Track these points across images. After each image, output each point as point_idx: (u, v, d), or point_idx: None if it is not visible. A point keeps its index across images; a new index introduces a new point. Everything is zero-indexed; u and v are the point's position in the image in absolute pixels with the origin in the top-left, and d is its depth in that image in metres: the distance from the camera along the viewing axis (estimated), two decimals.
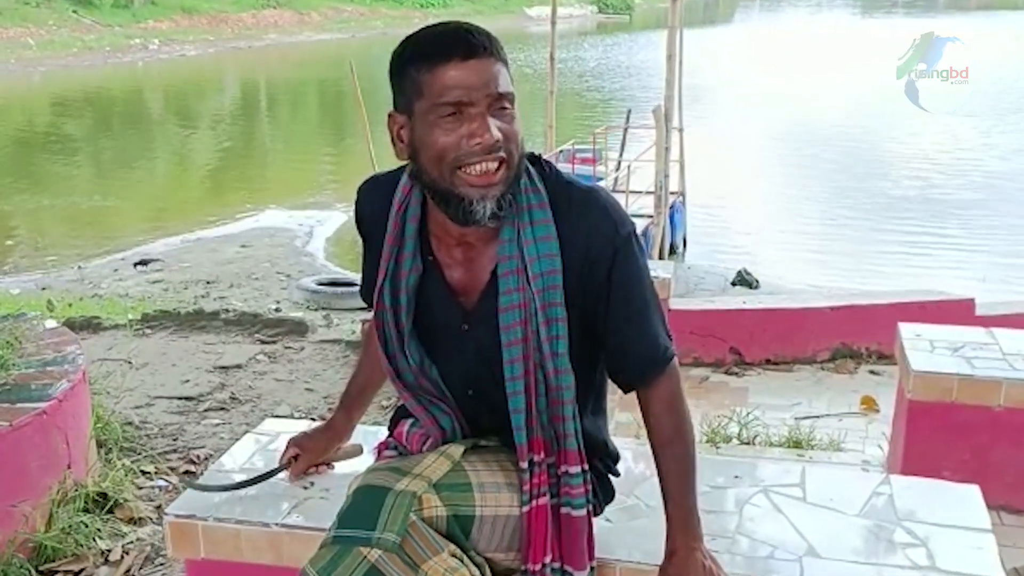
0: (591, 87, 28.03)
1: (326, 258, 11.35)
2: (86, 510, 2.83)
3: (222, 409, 4.13)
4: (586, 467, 1.63)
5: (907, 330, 3.24)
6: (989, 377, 2.91)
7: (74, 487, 2.85)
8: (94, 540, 2.77)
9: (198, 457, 3.50)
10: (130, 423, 3.74)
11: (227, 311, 5.89)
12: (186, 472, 3.36)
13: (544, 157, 1.66)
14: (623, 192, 10.73)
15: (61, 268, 10.89)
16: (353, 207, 1.73)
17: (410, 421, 1.76)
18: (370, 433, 2.11)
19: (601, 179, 10.90)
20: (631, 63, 33.04)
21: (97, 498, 2.92)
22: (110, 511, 2.91)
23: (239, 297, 9.04)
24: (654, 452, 1.65)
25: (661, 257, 8.79)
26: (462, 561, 1.50)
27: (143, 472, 3.27)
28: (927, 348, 3.09)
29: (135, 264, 10.81)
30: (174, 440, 3.69)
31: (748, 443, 3.64)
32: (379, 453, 1.84)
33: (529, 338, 1.57)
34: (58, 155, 18.29)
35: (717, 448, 3.54)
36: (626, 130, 13.92)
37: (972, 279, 9.47)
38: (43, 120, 23.39)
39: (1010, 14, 45.71)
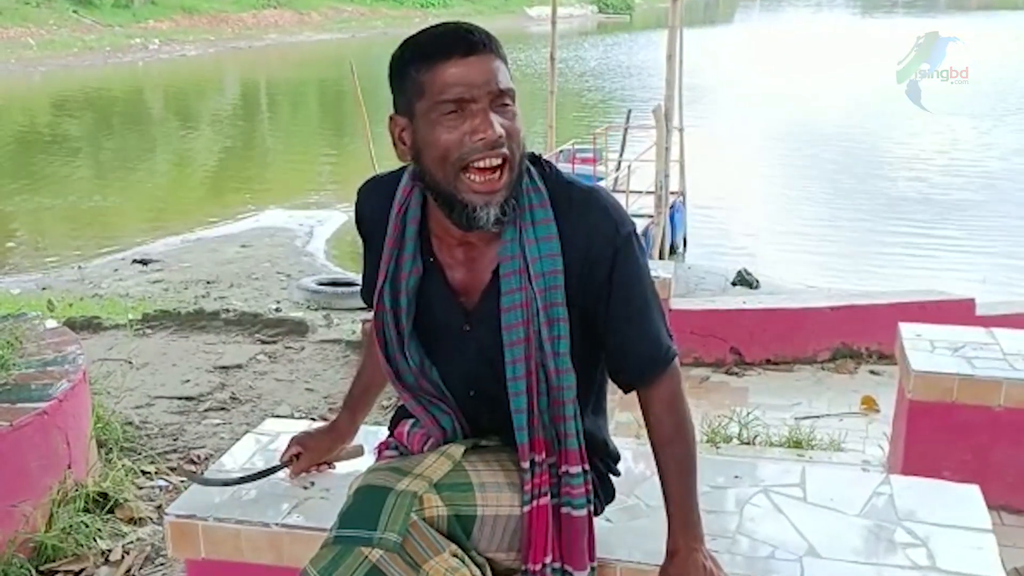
0: (591, 87, 28.03)
1: (326, 258, 11.34)
2: (86, 510, 2.84)
3: (222, 409, 4.13)
4: (587, 467, 1.63)
5: (907, 330, 3.24)
6: (989, 377, 2.91)
7: (74, 487, 2.85)
8: (94, 540, 2.77)
9: (198, 457, 3.50)
10: (130, 423, 3.74)
11: (227, 311, 5.88)
12: (186, 472, 3.36)
13: (544, 157, 1.66)
14: (623, 192, 10.72)
15: (61, 268, 10.88)
16: (353, 207, 1.73)
17: (411, 421, 1.76)
18: (371, 433, 2.10)
19: (601, 179, 10.90)
20: (631, 63, 33.04)
21: (97, 498, 2.92)
22: (110, 511, 2.91)
23: (239, 297, 9.03)
24: (654, 452, 1.65)
25: (661, 257, 8.78)
26: (463, 561, 1.50)
27: (143, 472, 3.27)
28: (927, 348, 3.09)
29: (134, 261, 10.80)
30: (174, 440, 3.69)
31: (748, 443, 3.64)
32: (380, 453, 1.84)
33: (531, 338, 1.57)
34: (58, 155, 18.26)
35: (717, 448, 3.54)
36: (626, 130, 13.92)
37: (972, 279, 9.45)
38: (43, 120, 23.37)
39: (1010, 14, 45.74)
